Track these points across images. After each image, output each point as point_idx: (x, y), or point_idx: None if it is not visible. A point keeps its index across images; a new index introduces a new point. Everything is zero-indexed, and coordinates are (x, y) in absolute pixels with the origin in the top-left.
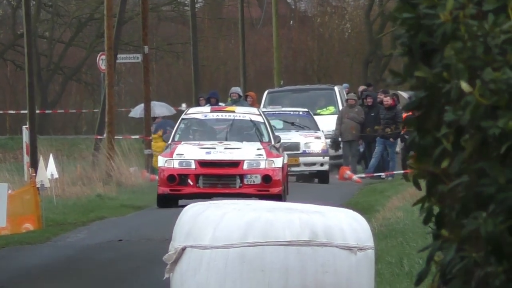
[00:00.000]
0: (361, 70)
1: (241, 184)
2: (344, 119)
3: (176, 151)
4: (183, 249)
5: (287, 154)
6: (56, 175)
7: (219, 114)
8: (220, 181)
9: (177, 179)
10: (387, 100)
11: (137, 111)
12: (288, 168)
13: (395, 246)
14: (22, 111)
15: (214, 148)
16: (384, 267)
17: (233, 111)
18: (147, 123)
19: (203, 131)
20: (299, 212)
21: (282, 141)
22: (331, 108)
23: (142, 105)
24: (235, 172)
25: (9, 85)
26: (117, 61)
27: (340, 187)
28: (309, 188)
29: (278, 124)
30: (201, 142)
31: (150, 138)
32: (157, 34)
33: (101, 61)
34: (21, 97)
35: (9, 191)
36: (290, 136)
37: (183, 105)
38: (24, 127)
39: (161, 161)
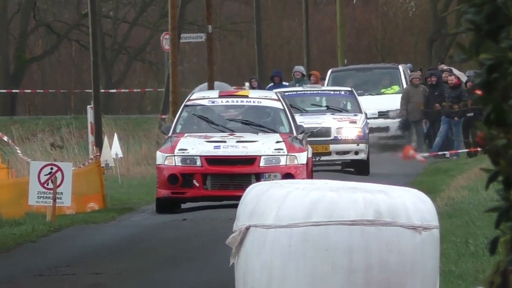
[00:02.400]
0: (425, 49)
1: None
2: (411, 99)
3: (178, 146)
4: (247, 228)
5: (317, 140)
6: (120, 155)
7: (229, 99)
8: (232, 181)
9: (180, 179)
10: (452, 79)
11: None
12: (318, 158)
13: (460, 225)
14: (86, 91)
15: (224, 142)
16: (449, 247)
17: (246, 96)
18: None
19: (210, 121)
20: (363, 191)
21: (312, 125)
22: (396, 87)
23: (198, 88)
24: (250, 170)
25: (74, 64)
26: (181, 40)
27: (404, 166)
28: (370, 168)
29: (309, 107)
30: (208, 134)
31: None
32: (220, 13)
33: (165, 41)
34: (86, 76)
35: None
36: (321, 120)
37: (246, 84)
38: (88, 106)
39: (160, 158)
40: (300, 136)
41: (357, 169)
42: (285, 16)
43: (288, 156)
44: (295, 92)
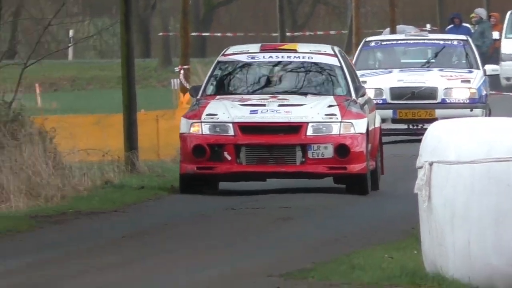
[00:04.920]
0: None
1: (303, 159)
2: None
3: (207, 110)
4: (430, 165)
5: (419, 103)
6: None
7: (273, 54)
8: (272, 154)
9: (207, 151)
10: None
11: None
12: (421, 125)
13: None
14: (273, 34)
15: (264, 105)
16: None
17: (295, 50)
18: None
19: (248, 80)
20: None
21: (413, 84)
22: None
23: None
24: (294, 140)
25: (261, 8)
26: None
27: None
28: None
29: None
30: (245, 97)
31: None
32: None
33: None
34: (272, 19)
35: None
36: (425, 78)
37: (428, 26)
38: None
39: (184, 125)
40: (360, 100)
41: None
42: None
43: (342, 123)
44: (395, 42)
